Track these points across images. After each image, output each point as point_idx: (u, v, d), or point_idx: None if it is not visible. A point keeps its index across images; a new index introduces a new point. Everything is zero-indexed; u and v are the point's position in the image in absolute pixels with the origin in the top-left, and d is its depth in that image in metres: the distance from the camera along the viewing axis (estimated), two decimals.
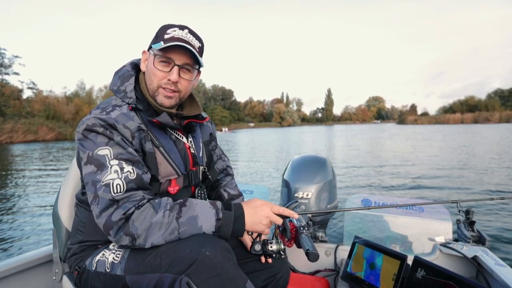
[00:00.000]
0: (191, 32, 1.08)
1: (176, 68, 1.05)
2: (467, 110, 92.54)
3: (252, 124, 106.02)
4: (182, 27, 1.07)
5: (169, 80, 1.06)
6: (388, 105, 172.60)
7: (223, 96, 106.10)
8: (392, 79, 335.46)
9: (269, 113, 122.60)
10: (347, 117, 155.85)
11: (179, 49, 1.05)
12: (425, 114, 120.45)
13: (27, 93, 46.42)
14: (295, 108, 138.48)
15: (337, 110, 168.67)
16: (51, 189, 8.04)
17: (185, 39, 1.05)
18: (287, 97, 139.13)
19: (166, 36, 1.04)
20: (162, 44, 1.02)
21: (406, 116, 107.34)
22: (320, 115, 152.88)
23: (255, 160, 13.58)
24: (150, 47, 1.10)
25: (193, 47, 1.05)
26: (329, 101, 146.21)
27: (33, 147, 25.43)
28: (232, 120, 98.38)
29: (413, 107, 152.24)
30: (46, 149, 22.68)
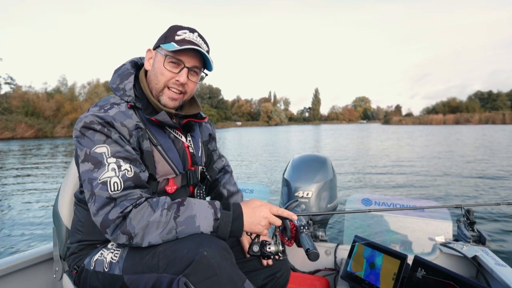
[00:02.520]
0: (200, 35, 1.10)
1: (185, 70, 1.07)
2: (449, 111, 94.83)
3: (239, 123, 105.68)
4: (192, 30, 1.09)
5: (177, 81, 1.07)
6: (374, 106, 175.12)
7: (210, 94, 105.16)
8: (379, 79, 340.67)
9: (256, 112, 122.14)
10: (334, 117, 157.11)
11: (190, 52, 1.07)
12: (409, 114, 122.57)
13: (4, 89, 44.24)
14: (282, 107, 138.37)
15: (324, 110, 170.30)
16: (51, 186, 8.00)
17: (196, 42, 1.07)
18: (275, 96, 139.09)
19: (177, 38, 1.05)
20: (174, 46, 1.03)
21: (391, 117, 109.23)
22: (307, 114, 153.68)
23: (248, 160, 13.55)
24: (157, 46, 1.10)
25: (205, 50, 1.07)
26: (316, 101, 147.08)
27: (11, 144, 24.58)
28: (219, 118, 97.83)
29: (398, 108, 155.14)
30: (27, 146, 22.03)
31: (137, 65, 1.18)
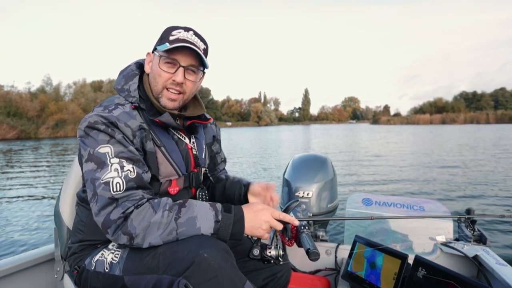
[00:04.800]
0: (196, 34, 1.09)
1: (181, 69, 1.06)
2: (436, 111, 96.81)
3: (229, 124, 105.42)
4: (187, 29, 1.08)
5: (174, 81, 1.06)
6: (363, 106, 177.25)
7: (200, 95, 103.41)
8: (369, 80, 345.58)
9: (246, 113, 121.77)
10: (324, 117, 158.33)
11: (185, 50, 1.06)
12: (397, 114, 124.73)
13: None
14: (272, 107, 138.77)
15: (314, 110, 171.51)
16: (51, 186, 8.00)
17: (190, 40, 1.06)
18: (265, 97, 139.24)
19: (171, 38, 1.05)
20: (167, 46, 1.03)
21: (380, 117, 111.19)
22: (297, 114, 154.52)
23: (243, 160, 13.54)
24: (154, 49, 1.10)
25: (198, 48, 1.06)
26: (306, 101, 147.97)
27: None
28: None
29: (386, 108, 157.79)
30: (24, 147, 21.64)
31: (142, 66, 1.18)
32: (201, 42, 1.09)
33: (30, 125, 38.69)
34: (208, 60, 1.14)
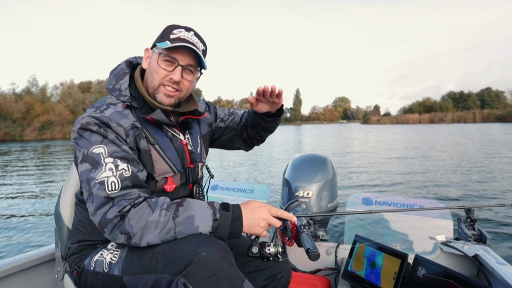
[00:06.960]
0: (196, 34, 1.11)
1: (179, 68, 1.07)
2: (424, 110, 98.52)
3: None
4: (188, 29, 1.09)
5: (171, 79, 1.07)
6: (353, 106, 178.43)
7: None
8: (360, 80, 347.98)
9: None
10: (315, 117, 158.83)
11: (184, 50, 1.07)
12: (387, 114, 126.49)
13: None
14: None
15: (305, 110, 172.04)
16: (51, 186, 8.01)
17: (191, 40, 1.07)
18: None
19: (172, 36, 1.06)
20: (168, 44, 1.04)
21: (370, 117, 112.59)
22: (288, 115, 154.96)
23: (240, 160, 13.51)
24: (153, 45, 1.11)
25: (198, 49, 1.07)
26: (297, 101, 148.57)
27: None
28: None
29: (377, 108, 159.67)
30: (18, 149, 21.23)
31: (132, 64, 1.18)
32: (200, 43, 1.11)
33: (15, 127, 37.91)
34: (206, 61, 1.15)
